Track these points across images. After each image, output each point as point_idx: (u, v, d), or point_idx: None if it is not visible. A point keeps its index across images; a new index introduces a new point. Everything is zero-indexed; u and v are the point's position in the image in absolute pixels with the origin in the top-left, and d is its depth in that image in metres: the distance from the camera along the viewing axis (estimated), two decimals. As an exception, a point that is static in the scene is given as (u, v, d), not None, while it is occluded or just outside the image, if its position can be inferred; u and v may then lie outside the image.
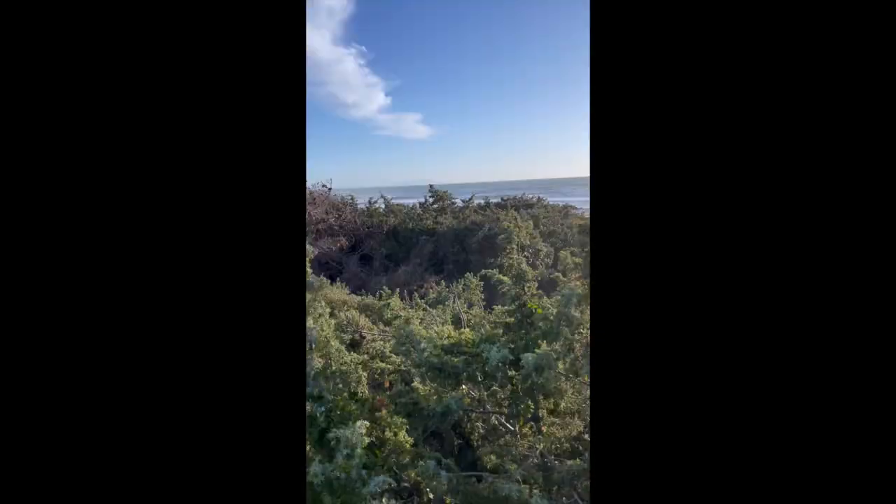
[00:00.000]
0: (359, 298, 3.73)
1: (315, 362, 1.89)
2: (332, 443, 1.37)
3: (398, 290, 3.33)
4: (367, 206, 8.99)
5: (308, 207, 7.67)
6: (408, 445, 1.93)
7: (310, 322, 1.97)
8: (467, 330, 2.23)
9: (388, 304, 2.98)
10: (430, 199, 8.91)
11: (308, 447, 1.64)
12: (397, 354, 2.38)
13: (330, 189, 9.01)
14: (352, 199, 9.05)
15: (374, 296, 3.60)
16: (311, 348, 1.91)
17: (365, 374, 2.09)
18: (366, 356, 2.46)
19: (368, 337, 2.83)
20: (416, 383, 2.18)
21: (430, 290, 4.36)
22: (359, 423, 1.34)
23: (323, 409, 1.69)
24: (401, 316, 2.77)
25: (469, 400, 2.10)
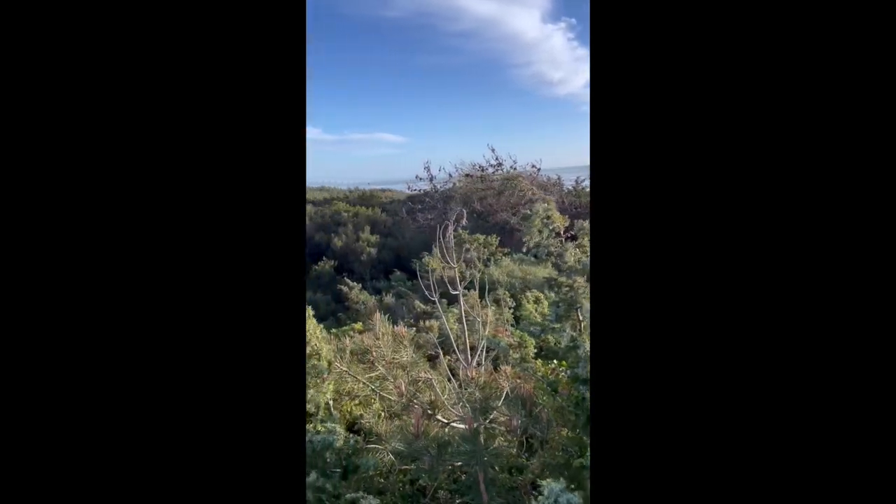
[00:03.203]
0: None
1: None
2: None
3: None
4: (574, 186, 8.94)
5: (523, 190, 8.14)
6: None
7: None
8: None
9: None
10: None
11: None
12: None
13: (539, 169, 9.32)
14: (558, 178, 9.15)
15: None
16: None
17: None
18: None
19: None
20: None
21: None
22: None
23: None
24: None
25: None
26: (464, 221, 2.06)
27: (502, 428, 1.74)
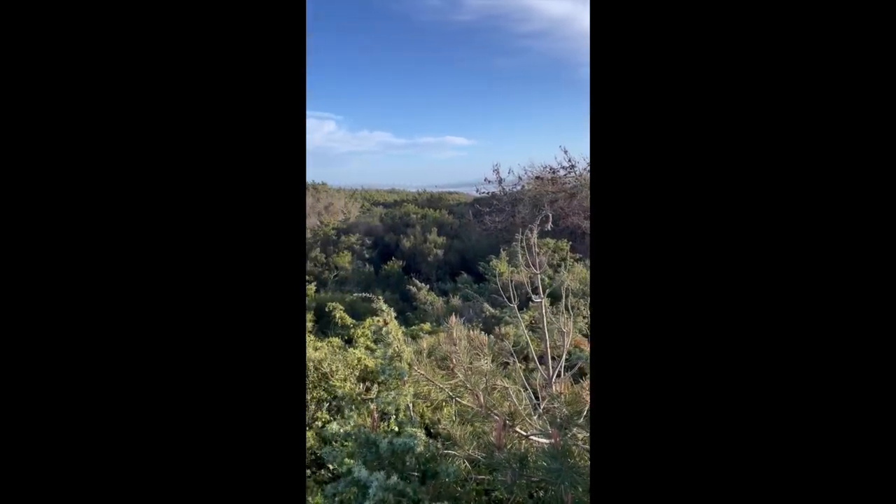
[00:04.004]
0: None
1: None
2: None
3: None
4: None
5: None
6: None
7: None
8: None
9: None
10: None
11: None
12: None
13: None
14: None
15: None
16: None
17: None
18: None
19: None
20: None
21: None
22: None
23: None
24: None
25: None
26: (549, 225, 1.98)
27: (584, 445, 1.64)
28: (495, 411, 1.67)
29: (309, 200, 15.65)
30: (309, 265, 9.94)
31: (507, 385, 1.84)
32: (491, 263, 6.83)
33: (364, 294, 2.48)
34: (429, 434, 1.99)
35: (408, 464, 1.51)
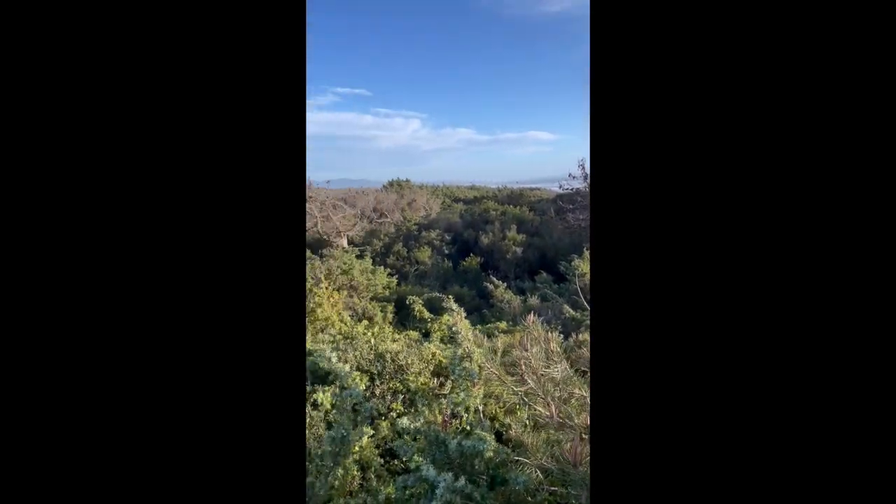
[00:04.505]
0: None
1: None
2: None
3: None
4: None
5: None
6: None
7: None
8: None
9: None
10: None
11: None
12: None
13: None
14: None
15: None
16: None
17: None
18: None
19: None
20: None
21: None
22: None
23: None
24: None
25: None
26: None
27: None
28: (571, 422, 1.57)
29: (392, 197, 16.30)
30: (391, 259, 10.35)
31: (585, 395, 1.73)
32: (572, 263, 6.53)
33: (436, 293, 2.50)
34: (499, 439, 1.95)
35: (476, 467, 1.48)
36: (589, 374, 1.92)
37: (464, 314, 1.80)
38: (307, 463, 2.26)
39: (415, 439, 1.74)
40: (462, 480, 1.37)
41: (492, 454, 1.45)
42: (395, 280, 7.70)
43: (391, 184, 19.75)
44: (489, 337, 3.51)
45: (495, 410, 2.17)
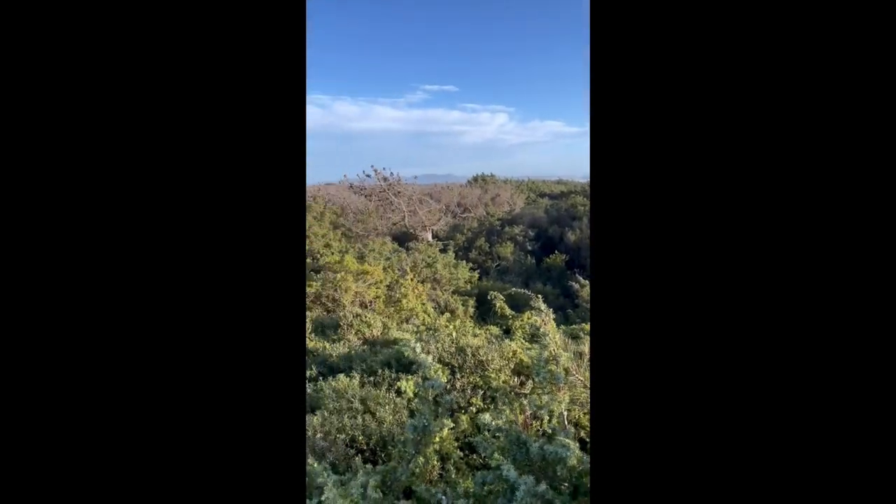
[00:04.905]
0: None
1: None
2: None
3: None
4: None
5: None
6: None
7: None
8: None
9: None
10: None
11: None
12: None
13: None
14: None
15: None
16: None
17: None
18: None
19: None
20: None
21: None
22: None
23: None
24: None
25: None
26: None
27: None
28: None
29: (476, 192, 16.35)
30: (473, 254, 10.42)
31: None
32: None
33: (523, 290, 2.45)
34: (583, 447, 1.86)
35: (559, 473, 1.43)
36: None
37: (552, 315, 1.74)
38: (390, 447, 2.37)
39: (495, 437, 1.73)
40: (543, 485, 1.33)
41: (575, 462, 1.39)
42: (476, 275, 7.74)
43: (475, 179, 19.82)
44: (574, 339, 3.37)
45: (579, 417, 2.08)
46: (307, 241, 9.26)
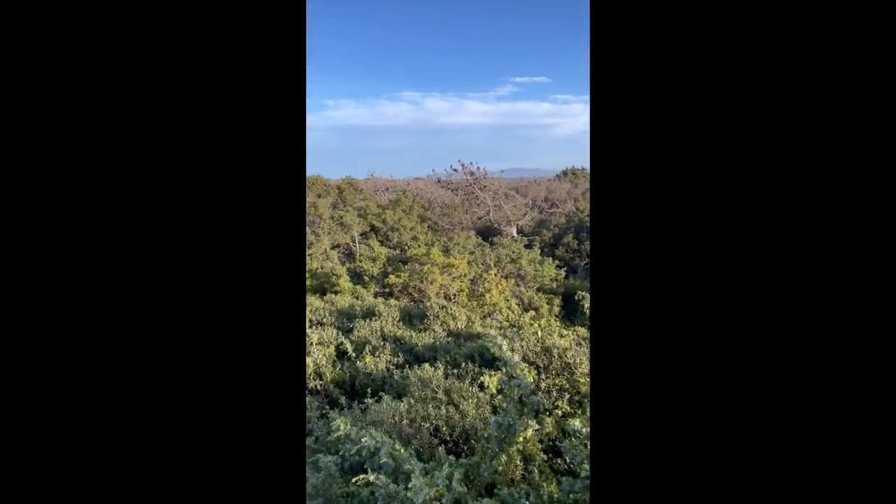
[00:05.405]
0: None
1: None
2: None
3: None
4: None
5: None
6: None
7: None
8: None
9: None
10: None
11: None
12: None
13: None
14: None
15: None
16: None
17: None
18: None
19: None
20: None
21: None
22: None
23: None
24: None
25: None
26: None
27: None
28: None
29: (565, 186, 15.75)
30: (560, 251, 10.05)
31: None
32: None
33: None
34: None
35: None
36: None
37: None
38: (473, 441, 2.37)
39: (584, 445, 1.64)
40: None
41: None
42: (563, 273, 7.46)
43: (564, 172, 19.12)
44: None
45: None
46: (396, 234, 9.66)
